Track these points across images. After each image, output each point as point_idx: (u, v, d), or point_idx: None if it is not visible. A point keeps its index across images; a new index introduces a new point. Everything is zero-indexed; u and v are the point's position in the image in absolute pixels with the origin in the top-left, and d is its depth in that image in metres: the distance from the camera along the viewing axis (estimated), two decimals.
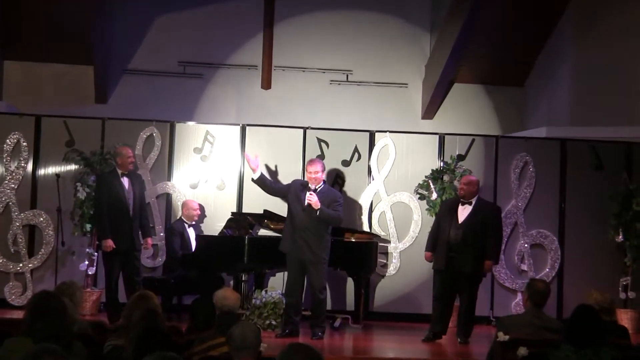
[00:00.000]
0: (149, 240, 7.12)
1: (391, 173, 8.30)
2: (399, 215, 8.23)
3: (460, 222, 6.68)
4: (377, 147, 8.33)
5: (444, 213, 6.87)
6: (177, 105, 9.13)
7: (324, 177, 6.60)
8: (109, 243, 6.77)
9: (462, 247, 6.58)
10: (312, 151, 8.30)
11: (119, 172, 6.91)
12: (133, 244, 6.88)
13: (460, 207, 6.79)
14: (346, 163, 8.32)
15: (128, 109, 8.89)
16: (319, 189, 6.54)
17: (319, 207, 6.43)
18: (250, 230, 7.50)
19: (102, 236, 6.87)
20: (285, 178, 8.17)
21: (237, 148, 8.26)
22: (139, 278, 6.89)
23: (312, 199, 6.45)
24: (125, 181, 6.92)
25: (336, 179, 8.22)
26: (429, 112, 9.45)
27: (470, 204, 6.77)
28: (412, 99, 9.57)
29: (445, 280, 6.70)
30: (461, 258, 6.59)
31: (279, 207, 7.77)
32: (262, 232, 7.86)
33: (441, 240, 6.69)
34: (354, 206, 8.23)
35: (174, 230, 7.51)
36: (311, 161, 6.74)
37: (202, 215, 8.03)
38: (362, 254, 7.42)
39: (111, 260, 6.82)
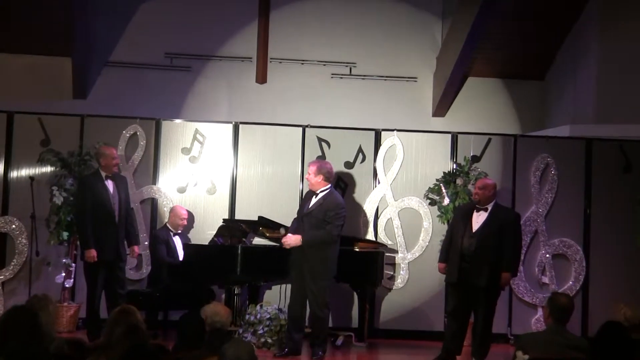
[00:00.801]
0: (136, 249, 7.11)
1: (399, 176, 8.32)
2: (407, 223, 8.25)
3: (474, 230, 6.70)
4: (383, 147, 8.35)
5: (457, 220, 6.89)
6: (164, 101, 9.11)
7: (320, 179, 6.53)
8: (92, 253, 6.75)
9: (477, 258, 6.59)
10: (312, 151, 8.28)
11: (103, 174, 6.91)
12: (118, 254, 6.87)
13: (475, 214, 6.80)
14: (349, 165, 8.36)
15: (109, 105, 8.89)
16: (320, 194, 6.53)
17: (300, 242, 6.43)
18: (244, 239, 7.51)
19: (84, 246, 6.83)
20: (282, 182, 8.25)
21: (230, 148, 8.27)
22: (123, 291, 6.89)
23: (286, 241, 6.53)
24: (109, 184, 6.91)
25: (338, 182, 8.23)
26: (441, 108, 9.43)
27: (486, 210, 6.77)
28: (422, 95, 9.54)
29: (459, 295, 6.70)
30: (475, 270, 6.58)
31: (275, 213, 7.78)
32: (257, 240, 7.88)
33: (454, 250, 6.70)
34: (357, 212, 8.24)
35: (158, 238, 7.51)
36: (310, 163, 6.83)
37: (191, 222, 8.07)
38: (366, 265, 7.44)
39: (94, 272, 6.79)
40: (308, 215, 6.57)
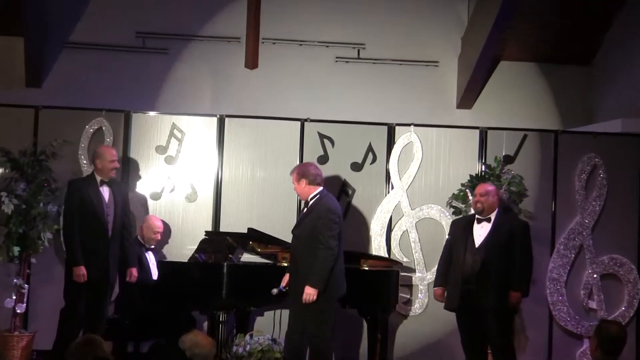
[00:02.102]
0: (134, 272, 7.18)
1: (416, 180, 8.36)
2: (426, 236, 8.29)
3: (477, 245, 6.78)
4: (398, 145, 8.39)
5: (455, 236, 6.97)
6: (135, 90, 9.14)
7: (304, 184, 6.54)
8: (82, 271, 6.79)
9: (483, 277, 6.68)
10: (312, 150, 8.32)
11: (98, 178, 6.95)
12: (107, 275, 6.92)
13: (476, 226, 6.87)
14: (357, 166, 8.40)
15: (69, 94, 8.92)
16: (310, 202, 6.55)
17: (315, 292, 6.29)
18: (231, 255, 7.54)
19: (72, 262, 6.87)
20: (276, 187, 8.27)
21: (213, 146, 8.29)
22: (103, 323, 6.93)
23: (307, 299, 6.33)
24: (104, 191, 6.97)
25: (343, 188, 8.33)
26: (467, 99, 9.41)
27: (489, 220, 6.85)
28: (445, 82, 9.53)
29: (467, 322, 6.79)
30: (482, 291, 6.66)
31: (269, 224, 7.87)
32: (246, 257, 7.94)
33: (454, 271, 6.81)
34: (366, 223, 8.32)
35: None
36: None
37: (166, 235, 8.12)
38: (377, 286, 7.47)
39: (76, 293, 6.82)
40: (297, 235, 6.57)
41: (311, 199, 6.54)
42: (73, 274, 6.85)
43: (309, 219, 6.48)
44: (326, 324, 6.43)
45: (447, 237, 7.95)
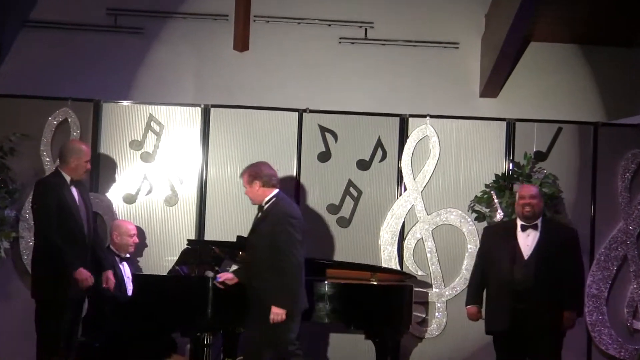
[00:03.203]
0: (110, 275, 7.07)
1: (433, 180, 8.41)
2: (445, 245, 8.34)
3: (526, 256, 6.82)
4: (411, 139, 8.42)
5: (493, 246, 6.99)
6: (105, 76, 9.00)
7: (257, 187, 6.57)
8: (85, 275, 6.71)
9: (535, 295, 6.71)
10: (312, 146, 8.38)
11: (67, 178, 6.93)
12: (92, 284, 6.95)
13: (521, 234, 6.90)
14: (364, 165, 8.46)
15: (29, 80, 8.86)
16: (265, 207, 6.58)
17: (283, 312, 6.37)
18: (217, 268, 7.48)
19: (68, 267, 6.74)
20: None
21: (197, 141, 8.33)
22: (74, 348, 6.95)
23: (275, 319, 6.40)
24: (74, 192, 6.95)
25: (348, 189, 8.41)
26: (492, 86, 9.25)
27: (535, 227, 6.88)
28: (466, 67, 9.32)
29: (511, 346, 6.78)
30: (533, 310, 6.68)
31: None
32: (235, 268, 7.69)
33: (497, 287, 6.84)
34: (375, 231, 8.36)
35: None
36: None
37: (142, 244, 8.14)
38: (388, 304, 7.46)
39: (57, 311, 6.75)
40: (252, 244, 6.61)
41: (266, 203, 6.59)
42: (78, 280, 6.75)
43: (264, 225, 6.51)
44: (286, 344, 6.50)
45: (474, 246, 8.14)
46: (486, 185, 8.22)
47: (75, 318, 6.93)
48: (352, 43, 9.31)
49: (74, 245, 6.77)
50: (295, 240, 6.45)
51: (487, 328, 6.99)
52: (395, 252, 8.34)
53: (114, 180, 8.28)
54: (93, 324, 7.53)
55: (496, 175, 8.22)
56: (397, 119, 8.45)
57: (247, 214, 7.99)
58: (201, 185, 8.28)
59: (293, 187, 8.36)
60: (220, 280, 6.78)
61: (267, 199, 6.59)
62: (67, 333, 6.81)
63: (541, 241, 6.81)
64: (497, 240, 6.98)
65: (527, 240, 6.86)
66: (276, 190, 6.64)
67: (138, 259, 8.14)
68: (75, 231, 6.80)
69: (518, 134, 8.42)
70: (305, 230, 6.65)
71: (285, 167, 8.35)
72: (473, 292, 7.08)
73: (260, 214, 6.63)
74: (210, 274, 6.87)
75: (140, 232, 8.05)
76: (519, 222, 6.95)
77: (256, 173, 6.62)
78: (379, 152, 8.44)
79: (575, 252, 6.91)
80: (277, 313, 6.40)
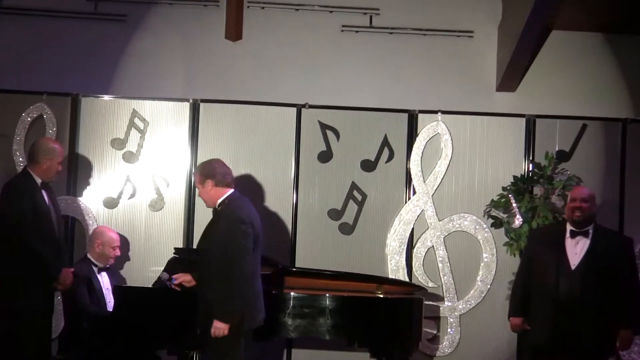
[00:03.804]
0: (70, 273, 7.07)
1: (445, 182, 8.43)
2: (458, 254, 8.37)
3: (574, 266, 6.81)
4: (421, 137, 8.44)
5: (539, 251, 6.97)
6: (84, 68, 8.98)
7: (210, 186, 6.52)
8: (69, 274, 6.83)
9: (582, 309, 6.70)
10: (312, 145, 8.39)
11: (37, 180, 6.95)
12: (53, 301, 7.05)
13: (569, 241, 6.88)
14: (369, 165, 8.48)
15: (1, 73, 8.83)
16: (219, 209, 6.55)
17: (226, 325, 6.30)
18: None
19: (52, 275, 6.82)
20: (266, 191, 8.38)
21: (185, 139, 8.35)
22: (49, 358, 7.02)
23: (216, 333, 6.32)
24: (45, 195, 6.98)
25: (351, 192, 8.42)
26: (510, 78, 9.15)
27: (586, 234, 6.86)
28: (481, 58, 9.27)
29: None
30: (581, 327, 6.67)
31: None
32: None
33: (542, 298, 6.82)
34: (381, 239, 8.38)
35: (78, 277, 7.43)
36: None
37: (125, 253, 8.16)
38: (395, 319, 7.45)
39: (32, 323, 6.79)
40: (202, 252, 6.58)
41: (219, 205, 6.54)
42: (60, 282, 6.81)
43: (215, 231, 6.47)
44: None
45: (490, 255, 8.21)
46: (503, 189, 8.21)
47: (48, 332, 6.95)
48: (356, 31, 9.27)
49: (53, 253, 6.83)
50: (244, 248, 6.33)
51: (529, 340, 6.99)
52: (404, 262, 8.35)
53: (93, 183, 8.29)
54: (70, 340, 7.53)
55: (514, 177, 8.22)
56: (406, 115, 8.47)
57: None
58: (190, 187, 8.27)
59: (291, 190, 8.38)
60: (177, 282, 6.70)
61: (220, 200, 6.53)
62: (44, 350, 6.88)
63: (591, 250, 6.78)
64: (542, 246, 6.95)
65: (575, 248, 6.85)
66: (231, 190, 6.57)
67: (122, 268, 8.16)
68: (50, 239, 6.83)
69: (538, 132, 8.43)
70: (258, 235, 6.51)
71: (283, 168, 8.39)
72: (517, 302, 7.04)
73: (213, 217, 6.59)
74: (165, 275, 6.76)
75: (124, 243, 8.06)
76: (569, 227, 6.92)
77: (208, 171, 6.57)
78: (386, 152, 8.46)
79: (631, 264, 6.88)
80: (219, 327, 6.29)
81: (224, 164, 6.66)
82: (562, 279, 6.76)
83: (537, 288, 6.87)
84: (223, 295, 6.29)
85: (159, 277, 6.82)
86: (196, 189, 7.98)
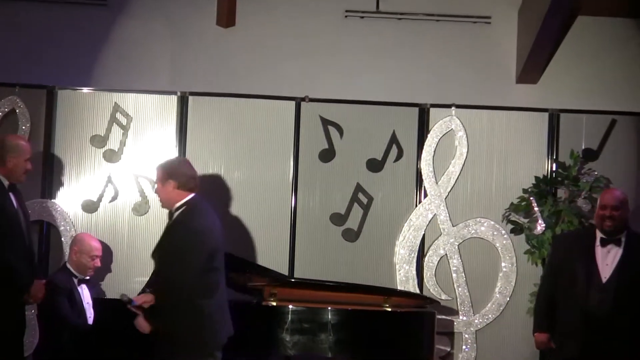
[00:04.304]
0: (42, 286, 7.08)
1: (460, 183, 8.45)
2: (474, 264, 8.39)
3: (605, 277, 6.80)
4: (433, 134, 8.46)
5: (566, 259, 6.95)
6: (61, 58, 9.00)
7: (171, 187, 6.50)
8: (41, 286, 6.89)
9: (614, 325, 6.69)
10: (312, 142, 8.40)
11: (5, 182, 6.97)
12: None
13: (600, 250, 6.84)
14: (376, 165, 8.49)
15: None
16: (175, 214, 6.53)
17: (150, 302, 6.39)
18: None
19: (24, 288, 6.86)
20: (261, 193, 8.37)
21: (172, 136, 8.37)
22: None
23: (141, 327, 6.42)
24: (13, 199, 7.01)
25: (356, 194, 8.44)
26: (531, 69, 9.14)
27: (618, 243, 6.82)
28: (500, 46, 9.29)
29: None
30: (612, 344, 6.66)
31: (249, 246, 8.06)
32: None
33: (570, 313, 6.82)
34: (389, 246, 8.41)
35: (57, 288, 7.49)
36: None
37: (107, 262, 8.15)
38: (404, 334, 7.47)
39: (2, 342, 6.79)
40: (155, 262, 6.61)
41: (176, 210, 6.52)
42: (32, 295, 6.86)
43: (167, 240, 6.48)
44: None
45: (509, 264, 8.21)
46: (524, 191, 8.21)
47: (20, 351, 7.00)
48: (361, 17, 9.28)
49: (23, 263, 6.85)
50: (190, 266, 6.29)
51: (555, 356, 6.98)
52: (414, 272, 8.36)
53: (70, 185, 8.29)
54: (47, 357, 7.56)
55: (536, 178, 8.22)
56: (416, 109, 8.48)
57: (233, 225, 8.27)
58: None
59: (289, 193, 8.39)
60: (137, 304, 6.50)
61: (178, 204, 6.49)
62: None
63: (624, 261, 6.74)
64: (569, 254, 6.92)
65: (606, 258, 6.82)
66: (191, 195, 6.52)
67: (103, 278, 8.17)
68: (21, 246, 6.84)
69: (563, 128, 8.45)
70: (216, 247, 6.47)
71: (280, 168, 8.40)
72: (542, 316, 7.02)
73: (168, 221, 6.59)
74: (125, 297, 6.62)
75: (105, 251, 7.99)
76: (599, 235, 6.88)
77: (173, 171, 6.53)
78: (394, 150, 8.46)
79: None
80: (142, 326, 6.38)
81: (191, 166, 6.65)
82: (592, 292, 6.72)
83: (564, 301, 6.83)
84: (167, 311, 6.31)
85: (120, 297, 6.71)
86: None
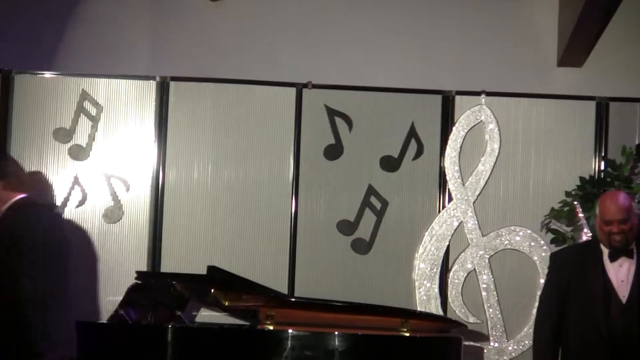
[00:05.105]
0: None
1: (491, 185, 8.42)
2: (508, 280, 8.36)
3: (624, 297, 6.81)
4: (459, 127, 8.43)
5: (571, 281, 6.97)
6: (19, 38, 9.03)
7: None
8: None
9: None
10: (316, 136, 8.39)
11: None
12: None
13: (610, 267, 6.86)
14: (391, 164, 8.47)
15: None
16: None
17: None
18: (179, 313, 7.57)
19: None
20: (257, 196, 8.38)
21: (151, 128, 8.38)
22: None
23: None
24: None
25: (367, 198, 8.42)
26: (575, 50, 9.18)
27: (629, 254, 6.84)
28: (538, 23, 9.28)
29: None
30: None
31: (242, 260, 8.12)
32: (206, 314, 8.03)
33: (587, 342, 6.83)
34: (407, 259, 8.40)
35: None
36: None
37: (73, 279, 7.96)
38: None
39: None
40: None
41: (2, 213, 6.78)
42: None
43: None
44: None
45: (542, 280, 8.06)
46: (567, 194, 8.18)
47: None
48: None
49: None
50: (22, 273, 6.53)
51: None
52: (437, 290, 8.35)
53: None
54: None
55: (581, 178, 8.18)
56: (439, 97, 8.47)
57: (222, 234, 8.35)
58: (156, 192, 8.32)
59: (288, 196, 8.42)
60: None
61: (6, 206, 6.74)
62: None
63: None
64: (575, 274, 6.94)
65: (620, 273, 6.84)
66: (19, 196, 6.76)
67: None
68: None
69: (612, 119, 8.43)
70: (49, 249, 6.72)
71: (278, 167, 8.42)
72: (545, 347, 7.04)
73: None
74: None
75: (73, 266, 7.89)
76: (605, 248, 6.92)
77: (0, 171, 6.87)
78: (413, 146, 8.44)
79: None
80: None
81: (19, 165, 7.05)
82: (613, 315, 6.76)
83: (576, 329, 6.85)
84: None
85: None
86: (164, 193, 8.18)
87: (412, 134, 8.40)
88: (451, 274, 8.34)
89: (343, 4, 9.20)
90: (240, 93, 8.43)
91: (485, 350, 8.26)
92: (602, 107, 8.43)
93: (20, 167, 6.90)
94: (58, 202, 8.27)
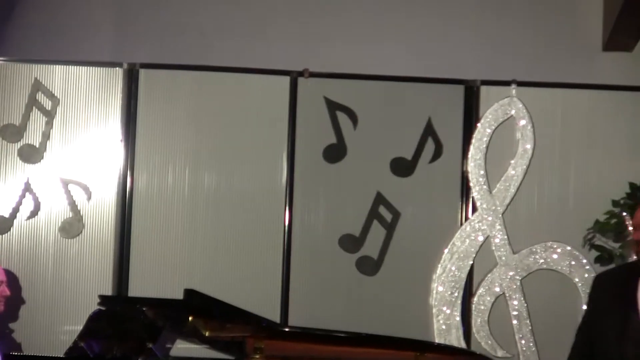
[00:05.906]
0: None
1: (523, 193, 8.40)
2: (544, 306, 8.33)
3: None
4: (485, 123, 8.40)
5: (606, 305, 6.81)
6: None
7: None
8: None
9: None
10: (314, 134, 8.36)
11: None
12: None
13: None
14: (404, 168, 8.46)
15: None
16: None
17: None
18: (151, 345, 7.47)
19: None
20: (244, 206, 8.37)
21: (116, 125, 8.36)
22: None
23: None
24: None
25: (375, 209, 8.37)
26: (623, 33, 9.22)
27: None
28: (577, 2, 9.40)
29: None
30: None
31: (226, 283, 8.10)
32: (182, 345, 7.99)
33: None
34: (423, 280, 8.35)
35: None
36: None
37: (19, 304, 8.16)
38: None
39: None
40: None
41: None
42: None
43: None
44: None
45: (584, 307, 7.97)
46: (614, 203, 8.18)
47: None
48: None
49: None
50: None
51: None
52: (458, 318, 8.35)
53: None
54: None
55: (631, 185, 8.22)
56: (461, 88, 8.48)
57: (203, 252, 8.35)
58: (123, 201, 8.33)
59: (281, 205, 8.42)
60: None
61: None
62: None
63: None
64: (609, 298, 6.82)
65: None
66: None
67: (11, 325, 8.16)
68: None
69: None
70: None
71: (269, 171, 8.43)
72: None
73: None
74: None
75: (18, 286, 8.11)
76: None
77: None
78: (429, 146, 8.45)
79: None
80: None
81: None
82: (627, 348, 6.63)
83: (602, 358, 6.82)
84: None
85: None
86: (133, 202, 8.37)
87: (429, 131, 8.41)
88: (476, 298, 8.34)
89: None
90: (224, 82, 8.44)
91: None
92: None
93: None
94: (6, 213, 8.25)
